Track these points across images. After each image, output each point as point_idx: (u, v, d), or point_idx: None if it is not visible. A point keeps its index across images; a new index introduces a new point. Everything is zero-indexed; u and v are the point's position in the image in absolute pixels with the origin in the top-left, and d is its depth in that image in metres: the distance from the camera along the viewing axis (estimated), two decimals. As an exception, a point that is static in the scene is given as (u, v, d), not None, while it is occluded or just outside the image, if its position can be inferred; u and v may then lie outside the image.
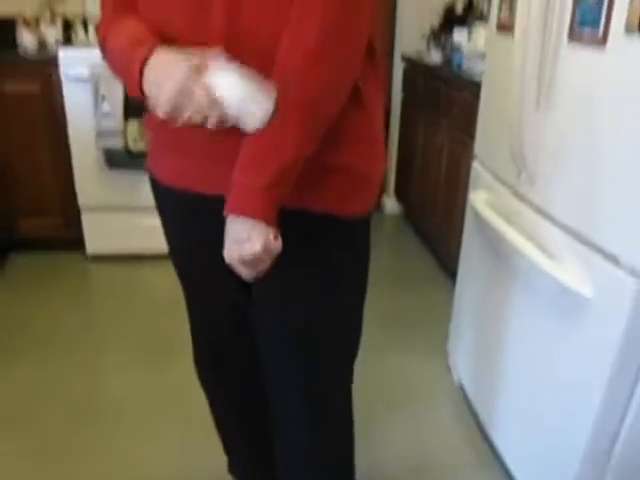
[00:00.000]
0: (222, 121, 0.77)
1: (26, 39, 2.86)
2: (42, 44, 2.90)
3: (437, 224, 2.94)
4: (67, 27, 2.98)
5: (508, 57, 1.48)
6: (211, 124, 0.78)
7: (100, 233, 2.83)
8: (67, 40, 2.96)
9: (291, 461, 1.18)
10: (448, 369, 2.14)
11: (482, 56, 2.41)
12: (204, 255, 1.06)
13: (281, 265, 0.89)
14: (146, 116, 1.03)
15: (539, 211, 1.46)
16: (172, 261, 1.22)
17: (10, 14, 2.90)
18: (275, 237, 0.85)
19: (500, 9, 1.72)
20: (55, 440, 1.78)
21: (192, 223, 1.07)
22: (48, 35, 2.91)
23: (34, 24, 2.90)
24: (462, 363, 2.02)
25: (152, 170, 1.10)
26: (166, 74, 0.78)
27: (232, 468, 1.53)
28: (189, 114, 0.77)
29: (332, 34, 0.81)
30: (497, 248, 1.67)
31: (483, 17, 3.00)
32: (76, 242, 2.83)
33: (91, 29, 2.95)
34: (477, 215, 1.79)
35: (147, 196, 3.22)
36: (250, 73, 0.76)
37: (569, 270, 1.30)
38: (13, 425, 1.84)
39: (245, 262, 0.85)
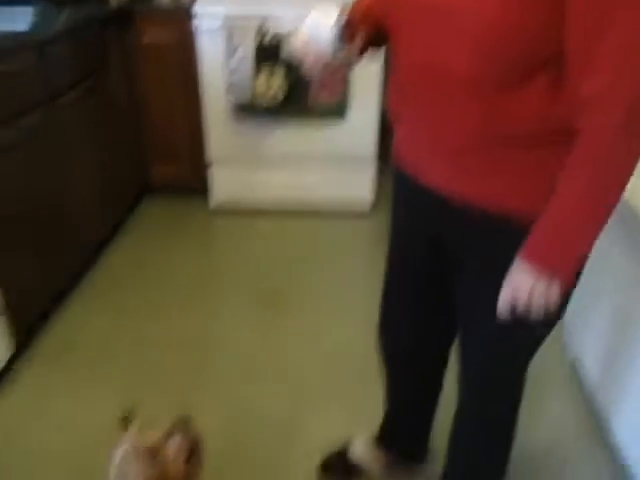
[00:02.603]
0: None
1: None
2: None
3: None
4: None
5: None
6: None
7: (224, 183, 2.94)
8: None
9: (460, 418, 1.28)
10: (561, 344, 2.01)
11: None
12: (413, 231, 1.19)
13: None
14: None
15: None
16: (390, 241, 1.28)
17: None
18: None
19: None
20: (174, 379, 1.93)
21: (413, 209, 1.16)
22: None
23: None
24: (582, 340, 1.89)
25: (396, 155, 1.15)
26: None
27: (383, 436, 1.55)
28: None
29: None
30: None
31: None
32: (202, 190, 2.97)
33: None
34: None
35: (270, 149, 3.25)
36: (329, 13, 0.97)
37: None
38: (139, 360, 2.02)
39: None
